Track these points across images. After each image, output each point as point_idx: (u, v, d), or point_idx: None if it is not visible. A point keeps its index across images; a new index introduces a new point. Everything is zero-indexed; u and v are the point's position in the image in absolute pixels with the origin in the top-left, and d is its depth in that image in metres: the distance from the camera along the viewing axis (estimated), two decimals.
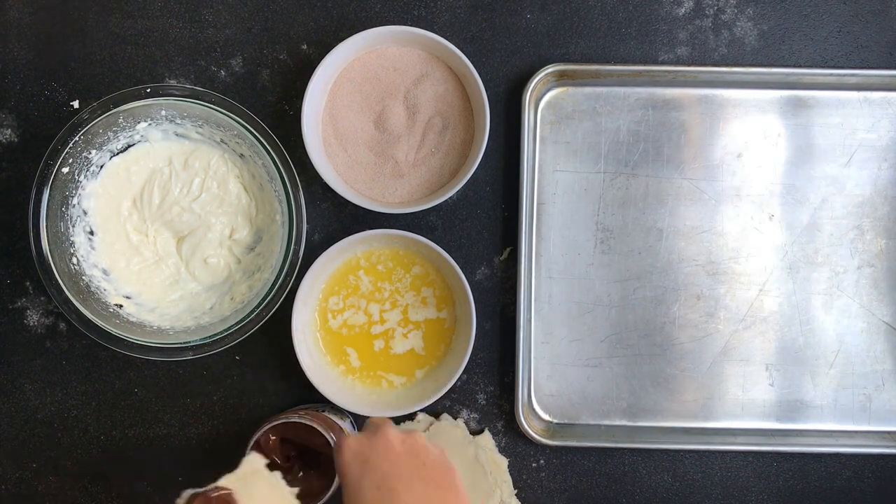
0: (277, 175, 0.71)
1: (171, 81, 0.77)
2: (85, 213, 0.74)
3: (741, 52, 0.77)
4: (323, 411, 0.74)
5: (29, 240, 0.70)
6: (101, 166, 0.74)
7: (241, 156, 0.75)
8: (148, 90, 0.71)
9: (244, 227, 0.77)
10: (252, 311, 0.71)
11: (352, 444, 0.55)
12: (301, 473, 0.70)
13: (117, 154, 0.75)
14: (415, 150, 0.75)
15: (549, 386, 0.77)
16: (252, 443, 0.69)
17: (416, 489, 0.52)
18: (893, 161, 0.77)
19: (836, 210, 0.77)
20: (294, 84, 0.77)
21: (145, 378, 0.78)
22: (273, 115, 0.77)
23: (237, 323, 0.71)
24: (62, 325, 0.78)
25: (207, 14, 0.77)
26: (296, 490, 0.54)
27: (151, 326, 0.74)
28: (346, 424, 0.75)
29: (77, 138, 0.70)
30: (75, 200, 0.73)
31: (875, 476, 0.78)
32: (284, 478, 0.70)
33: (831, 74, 0.76)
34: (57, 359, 0.78)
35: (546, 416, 0.78)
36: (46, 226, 0.70)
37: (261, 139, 0.71)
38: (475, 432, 0.78)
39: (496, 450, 0.78)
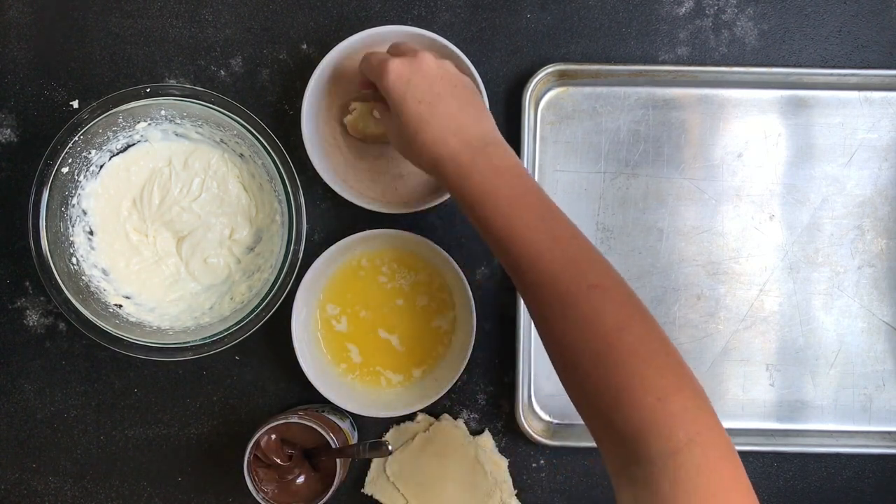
0: (277, 175, 0.71)
1: (171, 81, 0.77)
2: (85, 213, 0.74)
3: (741, 51, 0.77)
4: (323, 411, 0.74)
5: (28, 240, 0.70)
6: (101, 166, 0.74)
7: (241, 156, 0.75)
8: (148, 90, 0.71)
9: (244, 227, 0.76)
10: (252, 311, 0.71)
11: (395, 67, 0.62)
12: (301, 474, 0.70)
13: (117, 154, 0.75)
14: None
15: (549, 386, 0.77)
16: (252, 443, 0.68)
17: (450, 104, 0.62)
18: (894, 161, 0.77)
19: (836, 210, 0.77)
20: (294, 84, 0.77)
21: (145, 378, 0.78)
22: (273, 115, 0.77)
23: (237, 323, 0.71)
24: (62, 325, 0.78)
25: (207, 14, 0.77)
26: None
27: (151, 326, 0.74)
28: (345, 424, 0.75)
29: (77, 138, 0.70)
30: (75, 200, 0.73)
31: (875, 476, 0.78)
32: (284, 478, 0.70)
33: (831, 74, 0.76)
34: (57, 359, 0.78)
35: (546, 416, 0.78)
36: (46, 226, 0.70)
37: (261, 139, 0.71)
38: (475, 432, 0.78)
39: (496, 450, 0.77)
